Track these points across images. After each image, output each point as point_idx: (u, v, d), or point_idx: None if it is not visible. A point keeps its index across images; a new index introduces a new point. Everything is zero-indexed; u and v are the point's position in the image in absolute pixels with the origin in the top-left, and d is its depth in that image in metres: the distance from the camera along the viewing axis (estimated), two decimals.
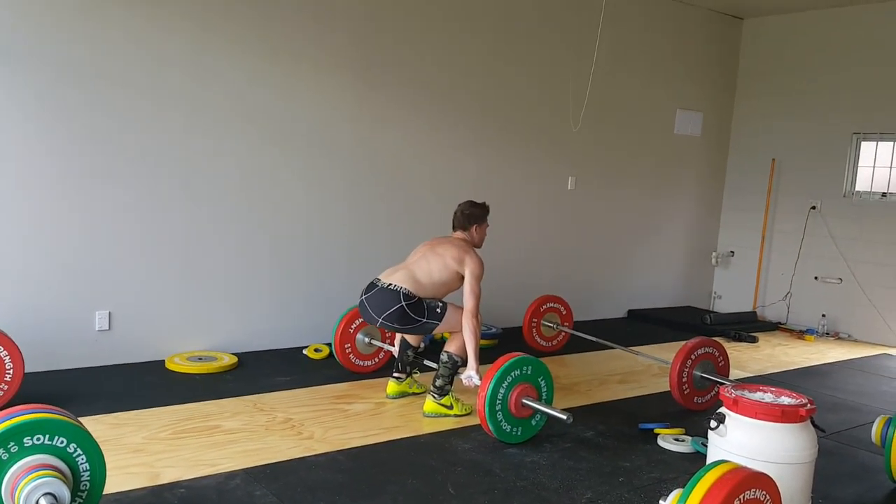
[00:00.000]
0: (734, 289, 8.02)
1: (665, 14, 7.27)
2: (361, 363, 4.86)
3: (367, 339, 4.84)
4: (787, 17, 7.54)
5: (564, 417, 3.66)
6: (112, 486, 2.94)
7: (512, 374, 3.73)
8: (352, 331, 4.80)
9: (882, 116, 6.88)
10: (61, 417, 2.55)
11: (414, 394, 4.46)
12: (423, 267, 4.16)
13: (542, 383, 3.87)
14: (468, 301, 4.06)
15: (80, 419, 3.34)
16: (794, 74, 7.49)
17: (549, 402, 3.90)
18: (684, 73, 7.55)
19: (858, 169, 7.10)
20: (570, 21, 6.55)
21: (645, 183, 7.45)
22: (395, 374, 4.45)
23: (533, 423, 3.83)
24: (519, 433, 3.77)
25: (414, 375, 4.52)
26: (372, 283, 4.22)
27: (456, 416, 4.10)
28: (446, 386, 4.12)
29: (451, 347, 4.15)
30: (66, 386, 4.27)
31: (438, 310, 4.13)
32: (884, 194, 6.92)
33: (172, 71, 4.73)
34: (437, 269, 4.14)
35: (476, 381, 3.91)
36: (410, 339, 4.45)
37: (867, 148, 7.05)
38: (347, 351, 4.81)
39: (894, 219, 6.80)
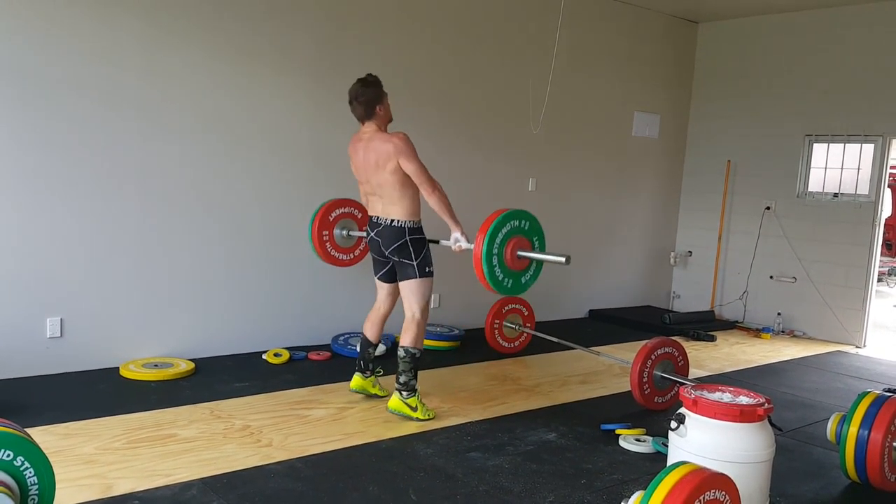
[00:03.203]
0: (692, 288, 8.13)
1: (622, 18, 7.34)
2: (340, 256, 4.78)
3: (345, 232, 4.73)
4: (741, 21, 7.67)
5: (563, 260, 3.75)
6: (62, 499, 2.85)
7: (510, 223, 3.81)
8: (331, 219, 4.69)
9: (833, 118, 7.03)
10: (7, 429, 2.46)
11: (376, 396, 4.43)
12: (388, 193, 4.05)
13: (536, 243, 3.95)
14: (424, 185, 3.97)
15: (31, 430, 3.24)
16: (748, 78, 7.62)
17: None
18: (642, 77, 7.63)
19: (811, 170, 7.24)
20: (529, 24, 6.57)
21: (604, 184, 7.51)
22: (359, 371, 4.42)
23: (523, 280, 3.89)
24: (510, 285, 3.81)
25: (377, 375, 4.50)
26: (374, 221, 4.16)
27: (418, 419, 4.05)
28: (411, 381, 4.07)
29: (405, 341, 4.10)
30: (15, 395, 4.13)
31: (427, 269, 4.12)
32: (835, 195, 7.07)
33: (125, 72, 4.61)
34: (394, 181, 4.01)
35: (464, 243, 3.95)
36: (371, 335, 4.40)
37: (819, 149, 7.19)
38: (325, 239, 4.71)
39: (846, 219, 6.96)
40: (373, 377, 4.44)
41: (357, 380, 4.39)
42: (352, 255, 4.82)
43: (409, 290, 4.12)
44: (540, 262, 3.99)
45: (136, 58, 4.65)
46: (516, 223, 3.83)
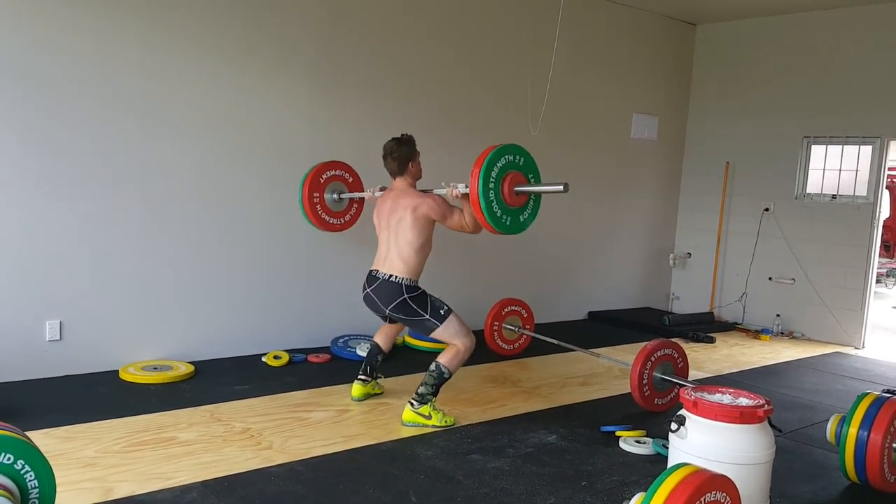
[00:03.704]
0: (691, 290, 8.13)
1: (621, 20, 7.35)
2: (331, 220, 4.74)
3: (335, 195, 4.70)
4: (739, 23, 7.68)
5: (561, 188, 3.71)
6: (63, 502, 2.84)
7: (505, 157, 3.75)
8: (322, 181, 4.65)
9: (831, 120, 7.04)
10: (7, 433, 2.46)
11: (376, 394, 4.47)
12: (402, 245, 4.06)
13: (532, 179, 3.90)
14: (459, 225, 4.03)
15: (30, 433, 3.24)
16: (747, 79, 7.63)
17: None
18: (640, 78, 7.64)
19: (809, 171, 7.25)
20: (528, 26, 6.58)
21: (603, 186, 7.52)
22: (361, 377, 4.43)
23: (521, 218, 3.88)
24: (508, 223, 3.80)
25: (378, 379, 4.52)
26: (372, 275, 4.16)
27: (435, 427, 4.01)
28: (427, 395, 4.04)
29: (442, 359, 4.06)
30: (14, 399, 4.13)
31: (442, 311, 4.06)
32: (833, 196, 7.08)
33: (126, 72, 4.61)
34: (414, 236, 4.04)
35: (461, 188, 3.96)
36: (383, 343, 4.45)
37: (817, 151, 7.20)
38: (316, 201, 4.69)
39: (844, 220, 6.96)
40: (373, 382, 4.47)
41: (358, 388, 4.40)
42: (343, 220, 4.77)
43: (441, 336, 4.10)
44: (538, 201, 3.93)
45: (137, 57, 4.65)
46: (511, 158, 3.77)
